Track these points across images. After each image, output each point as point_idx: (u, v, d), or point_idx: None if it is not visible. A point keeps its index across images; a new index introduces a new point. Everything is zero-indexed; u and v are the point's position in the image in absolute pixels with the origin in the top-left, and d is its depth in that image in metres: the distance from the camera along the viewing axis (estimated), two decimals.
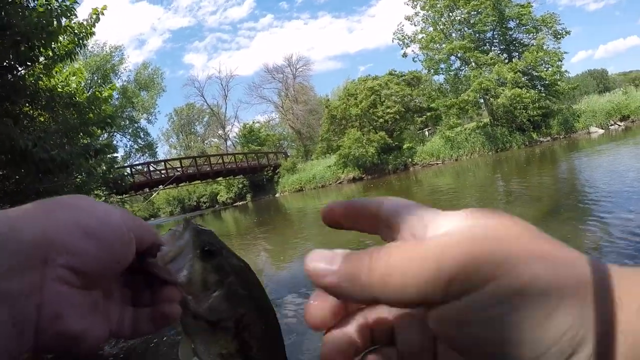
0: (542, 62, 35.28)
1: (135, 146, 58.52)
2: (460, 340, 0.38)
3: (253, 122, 64.94)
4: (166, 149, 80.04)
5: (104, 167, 13.54)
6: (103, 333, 0.61)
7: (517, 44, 38.53)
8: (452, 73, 39.80)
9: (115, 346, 8.09)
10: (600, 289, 0.36)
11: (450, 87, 39.71)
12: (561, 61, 35.80)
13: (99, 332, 0.60)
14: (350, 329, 0.49)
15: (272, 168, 49.51)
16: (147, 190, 44.67)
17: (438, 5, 38.64)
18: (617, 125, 32.02)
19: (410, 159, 38.62)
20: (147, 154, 59.23)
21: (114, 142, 48.26)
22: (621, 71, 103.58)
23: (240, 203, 51.21)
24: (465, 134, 36.53)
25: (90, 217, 0.57)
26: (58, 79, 11.68)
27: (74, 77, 12.42)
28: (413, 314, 0.46)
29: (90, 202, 0.61)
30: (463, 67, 39.20)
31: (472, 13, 37.16)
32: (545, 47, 35.93)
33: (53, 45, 10.28)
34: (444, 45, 38.06)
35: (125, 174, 33.80)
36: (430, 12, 39.69)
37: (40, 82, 10.55)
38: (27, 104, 10.55)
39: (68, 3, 9.60)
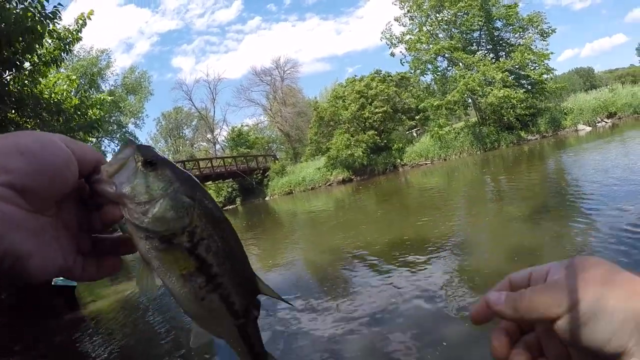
0: (529, 61, 35.42)
1: None
2: (575, 339, 0.54)
3: (242, 126, 64.81)
4: None
5: None
6: (53, 261, 0.62)
7: (504, 44, 38.72)
8: (439, 73, 39.87)
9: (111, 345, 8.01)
10: None
11: (438, 87, 39.80)
12: (548, 60, 36.08)
13: (48, 258, 0.61)
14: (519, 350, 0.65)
15: (261, 171, 49.32)
16: None
17: (425, 6, 38.75)
18: (604, 123, 32.30)
19: (399, 160, 38.65)
20: None
21: (102, 147, 47.95)
22: (607, 69, 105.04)
23: (230, 207, 50.97)
24: (453, 133, 36.61)
25: (27, 138, 0.58)
26: (44, 85, 11.55)
27: (65, 86, 12.30)
28: (550, 330, 0.58)
29: (35, 131, 0.62)
30: (450, 67, 39.28)
31: (459, 14, 37.30)
32: (532, 46, 36.11)
33: (38, 51, 10.17)
34: (431, 46, 38.14)
35: None
36: (417, 13, 39.80)
37: (25, 88, 10.43)
38: (13, 111, 10.42)
39: (52, 9, 9.49)
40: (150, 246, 0.70)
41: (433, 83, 41.08)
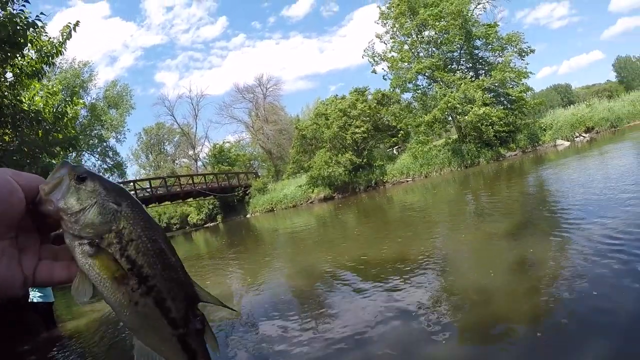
0: (509, 79, 35.90)
1: (104, 166, 57.47)
2: None
3: (223, 142, 64.59)
4: (135, 169, 78.99)
5: None
6: (15, 277, 0.71)
7: (483, 63, 39.30)
8: (419, 92, 40.21)
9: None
10: None
11: (419, 105, 40.09)
12: (527, 79, 36.66)
13: (9, 275, 0.70)
14: None
15: (242, 188, 49.14)
16: None
17: (406, 25, 39.19)
18: (582, 137, 32.89)
19: (380, 177, 38.74)
20: (116, 174, 58.25)
21: (82, 161, 47.37)
22: (584, 85, 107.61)
23: (211, 224, 50.64)
24: (434, 150, 36.90)
25: None
26: (25, 97, 11.38)
27: (48, 99, 12.13)
28: None
29: None
30: (431, 86, 39.64)
31: (440, 33, 37.77)
32: (512, 64, 36.65)
33: (19, 61, 10.04)
34: (412, 65, 38.50)
35: None
36: (399, 31, 40.25)
37: (5, 99, 10.26)
38: None
39: (32, 18, 9.37)
40: (83, 253, 0.74)
41: (414, 101, 41.34)
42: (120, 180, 52.52)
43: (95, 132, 54.86)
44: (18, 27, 9.00)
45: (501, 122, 33.72)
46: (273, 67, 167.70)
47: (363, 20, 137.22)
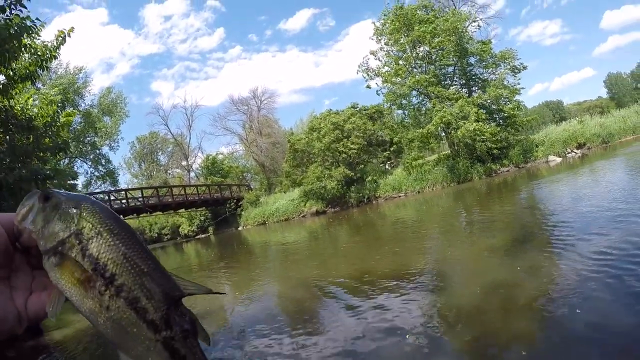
0: (502, 96, 36.11)
1: (96, 173, 57.23)
2: None
3: (217, 154, 64.51)
4: (128, 178, 78.58)
5: None
6: (7, 312, 0.71)
7: (476, 79, 39.49)
8: (412, 107, 40.40)
9: None
10: None
11: (412, 120, 40.19)
12: (519, 95, 36.88)
13: (0, 311, 0.71)
14: None
15: (235, 201, 49.01)
16: None
17: (401, 42, 39.42)
18: (574, 153, 33.00)
19: (373, 192, 38.69)
20: (108, 182, 58.01)
21: (75, 168, 47.11)
22: (576, 101, 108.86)
23: (203, 236, 50.39)
24: (428, 166, 36.97)
25: None
26: (18, 101, 11.30)
27: (42, 106, 12.05)
28: None
29: None
30: (425, 101, 39.82)
31: (434, 49, 38.02)
32: (505, 82, 36.84)
33: (13, 65, 9.99)
34: (406, 80, 38.67)
35: None
36: (393, 47, 40.47)
37: None
38: None
39: (28, 23, 9.32)
40: (51, 266, 0.72)
41: (407, 117, 41.45)
42: (112, 189, 52.33)
43: (89, 139, 54.58)
44: (13, 32, 8.97)
45: (494, 139, 33.81)
46: (269, 79, 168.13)
47: (359, 35, 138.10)
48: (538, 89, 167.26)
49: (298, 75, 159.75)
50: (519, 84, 37.20)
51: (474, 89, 39.12)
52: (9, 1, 8.99)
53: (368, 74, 42.02)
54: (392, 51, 40.93)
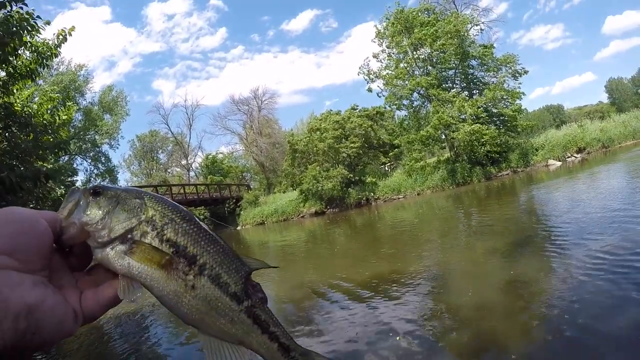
0: (501, 99, 36.12)
1: (96, 171, 57.15)
2: None
3: (216, 153, 64.44)
4: (127, 176, 78.34)
5: (59, 192, 12.95)
6: (66, 312, 0.70)
7: (477, 82, 39.54)
8: (413, 109, 40.42)
9: None
10: None
11: (413, 123, 40.22)
12: (520, 99, 36.92)
13: (61, 310, 0.69)
14: None
15: (234, 200, 48.96)
16: None
17: (403, 44, 39.45)
18: (574, 157, 33.05)
19: (372, 193, 38.69)
20: (107, 180, 57.88)
21: (74, 165, 46.99)
22: (576, 106, 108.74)
23: None
24: (428, 168, 36.99)
25: (7, 212, 0.69)
26: (18, 98, 11.28)
27: (42, 102, 12.03)
28: None
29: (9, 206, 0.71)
30: (425, 104, 39.85)
31: (436, 52, 38.06)
32: (505, 85, 36.87)
33: (14, 62, 9.98)
34: (407, 82, 38.70)
35: None
36: (395, 50, 40.50)
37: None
38: None
39: (28, 18, 9.31)
40: (118, 254, 0.74)
41: (408, 119, 41.47)
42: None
43: (89, 136, 54.51)
44: (14, 29, 8.96)
45: (493, 142, 33.83)
46: (270, 80, 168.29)
47: (361, 37, 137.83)
48: (539, 92, 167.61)
49: (299, 76, 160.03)
50: (519, 87, 37.31)
51: (474, 92, 39.13)
52: None
53: (369, 77, 42.08)
54: (393, 54, 40.98)
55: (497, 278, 8.02)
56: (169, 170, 76.31)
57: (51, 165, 12.30)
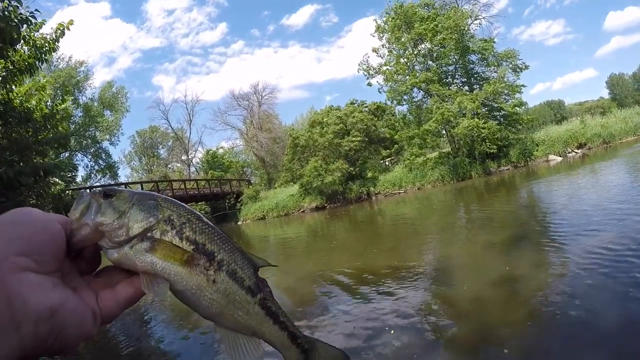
0: (502, 93, 36.08)
1: (96, 167, 57.24)
2: None
3: (217, 148, 64.41)
4: (128, 172, 78.34)
5: (58, 188, 12.92)
6: (86, 312, 0.70)
7: (478, 77, 39.46)
8: (414, 105, 40.36)
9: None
10: None
11: (414, 117, 40.18)
12: (520, 93, 36.87)
13: (80, 311, 0.69)
14: None
15: (234, 195, 48.96)
16: None
17: (402, 39, 39.37)
18: (574, 153, 33.04)
19: (372, 188, 38.71)
20: (107, 176, 57.99)
21: (75, 161, 47.02)
22: (577, 101, 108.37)
23: None
24: (428, 163, 37.01)
25: (10, 213, 0.69)
26: (17, 94, 11.26)
27: (36, 94, 12.00)
28: None
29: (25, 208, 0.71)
30: (426, 98, 39.80)
31: (436, 47, 37.99)
32: (505, 79, 36.76)
33: (12, 57, 9.95)
34: (407, 78, 38.65)
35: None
36: (395, 45, 40.40)
37: None
38: None
39: (26, 13, 9.28)
40: (139, 252, 0.76)
41: (408, 113, 41.43)
42: (112, 183, 52.36)
43: (89, 133, 54.51)
44: (13, 23, 8.93)
45: (493, 137, 33.79)
46: (270, 75, 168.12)
47: (362, 32, 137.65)
48: (540, 88, 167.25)
49: (300, 71, 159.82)
50: (519, 79, 37.29)
51: (475, 87, 39.02)
52: None
53: (369, 72, 42.01)
54: (393, 49, 40.88)
55: (495, 272, 8.02)
56: (169, 166, 76.23)
57: (51, 160, 12.29)
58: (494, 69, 38.20)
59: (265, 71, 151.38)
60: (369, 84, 42.36)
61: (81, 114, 52.22)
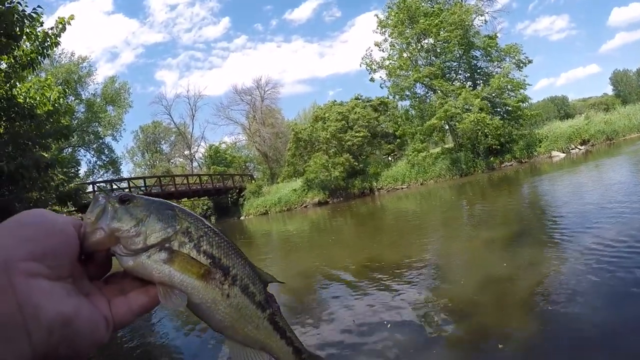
0: (506, 89, 35.97)
1: (99, 162, 57.36)
2: None
3: (219, 143, 64.41)
4: (130, 167, 78.41)
5: (57, 183, 12.90)
6: (98, 319, 0.68)
7: (481, 73, 39.33)
8: (416, 100, 40.25)
9: None
10: None
11: (416, 113, 40.11)
12: (524, 89, 36.67)
13: (93, 317, 0.67)
14: None
15: (237, 190, 49.01)
16: None
17: (406, 34, 39.25)
18: (577, 149, 32.89)
19: (375, 183, 38.72)
20: (110, 171, 58.11)
21: (77, 157, 47.11)
22: (581, 97, 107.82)
23: None
24: (430, 158, 36.94)
25: (22, 215, 0.67)
26: (20, 89, 11.27)
27: (40, 90, 12.00)
28: None
29: (36, 209, 0.70)
30: (429, 94, 39.72)
31: (439, 42, 37.87)
32: (510, 75, 36.65)
33: (15, 53, 9.96)
34: (410, 73, 38.56)
35: (86, 190, 32.94)
36: (398, 39, 40.28)
37: (0, 90, 10.17)
38: None
39: (31, 10, 9.29)
40: (157, 261, 0.75)
41: (411, 109, 41.35)
42: (114, 178, 52.46)
43: (92, 128, 54.57)
44: (15, 19, 8.93)
45: (497, 133, 33.71)
46: (273, 69, 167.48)
47: (365, 26, 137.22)
48: (544, 84, 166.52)
49: (303, 65, 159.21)
50: (525, 79, 37.07)
51: (478, 82, 38.94)
52: None
53: (371, 67, 41.90)
54: (396, 44, 40.76)
55: (495, 269, 8.02)
56: (172, 161, 76.34)
57: (53, 156, 12.30)
58: (497, 64, 38.04)
59: (268, 66, 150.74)
60: (372, 79, 42.31)
61: (84, 110, 52.22)
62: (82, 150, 54.06)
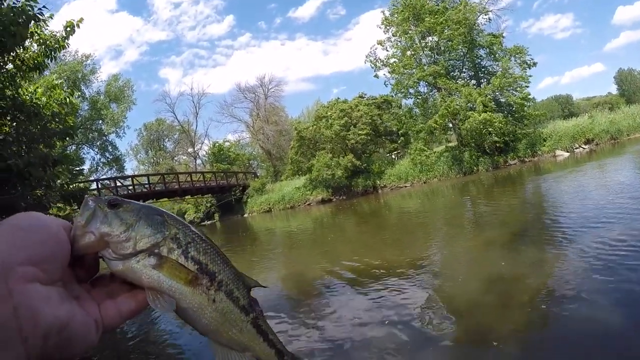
0: (509, 87, 35.88)
1: (103, 160, 57.42)
2: None
3: (223, 141, 64.40)
4: (134, 164, 78.48)
5: (62, 180, 12.90)
6: (89, 323, 0.68)
7: (485, 71, 39.20)
8: (420, 98, 40.13)
9: None
10: None
11: (420, 111, 40.02)
12: (527, 86, 36.55)
13: (84, 321, 0.67)
14: None
15: (241, 188, 49.01)
16: None
17: (410, 32, 39.17)
18: (582, 149, 32.81)
19: (379, 182, 38.71)
20: (114, 169, 58.16)
21: (81, 154, 47.17)
22: (585, 96, 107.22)
23: (209, 222, 50.45)
24: (434, 157, 36.89)
25: (16, 218, 0.67)
26: (27, 90, 11.29)
27: (52, 93, 12.02)
28: None
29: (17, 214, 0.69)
30: (433, 92, 39.62)
31: (443, 40, 37.77)
32: (511, 72, 36.47)
33: (21, 55, 9.98)
34: (414, 71, 38.50)
35: (90, 187, 33.08)
36: (402, 37, 40.20)
37: (7, 90, 10.19)
38: None
39: (34, 8, 9.29)
40: (146, 266, 0.76)
41: (415, 107, 41.26)
42: (118, 175, 52.53)
43: (96, 125, 54.63)
44: (20, 20, 8.94)
45: (501, 131, 33.64)
46: (277, 67, 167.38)
47: (369, 24, 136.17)
48: (548, 82, 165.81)
49: (307, 63, 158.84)
50: (529, 75, 36.82)
51: (482, 81, 38.82)
52: None
53: (376, 64, 41.82)
54: (400, 41, 40.67)
55: (497, 268, 8.04)
56: (175, 159, 76.31)
57: (58, 152, 12.33)
58: (501, 63, 37.86)
59: (272, 64, 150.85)
60: (376, 76, 42.21)
61: (87, 107, 52.28)
62: (85, 148, 54.15)
